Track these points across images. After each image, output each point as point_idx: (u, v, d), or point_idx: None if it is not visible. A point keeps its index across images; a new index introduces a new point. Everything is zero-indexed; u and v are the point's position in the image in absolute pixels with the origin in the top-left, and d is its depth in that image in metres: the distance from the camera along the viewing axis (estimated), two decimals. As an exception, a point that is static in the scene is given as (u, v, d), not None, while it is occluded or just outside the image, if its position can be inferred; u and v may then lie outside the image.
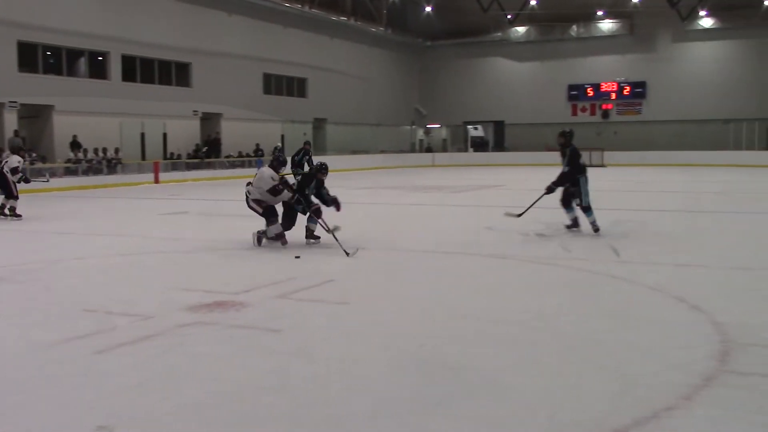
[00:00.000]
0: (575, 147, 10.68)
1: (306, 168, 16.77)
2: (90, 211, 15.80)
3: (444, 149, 42.93)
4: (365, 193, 19.93)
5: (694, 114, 37.03)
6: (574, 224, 10.76)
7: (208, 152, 29.07)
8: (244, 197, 9.69)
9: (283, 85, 34.70)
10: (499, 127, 42.58)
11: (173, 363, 4.69)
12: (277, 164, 9.69)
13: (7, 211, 13.27)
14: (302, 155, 17.39)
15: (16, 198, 13.39)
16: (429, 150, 42.15)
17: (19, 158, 13.76)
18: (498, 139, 42.77)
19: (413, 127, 43.90)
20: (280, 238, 9.45)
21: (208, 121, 30.13)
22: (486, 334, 5.36)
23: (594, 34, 40.21)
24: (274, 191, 9.32)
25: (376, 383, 4.29)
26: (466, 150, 42.68)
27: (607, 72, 40.04)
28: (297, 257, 8.36)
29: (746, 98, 36.02)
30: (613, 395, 4.03)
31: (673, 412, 3.77)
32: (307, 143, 18.25)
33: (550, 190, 10.64)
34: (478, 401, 3.98)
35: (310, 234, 9.78)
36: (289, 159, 15.51)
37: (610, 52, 39.83)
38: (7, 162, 13.56)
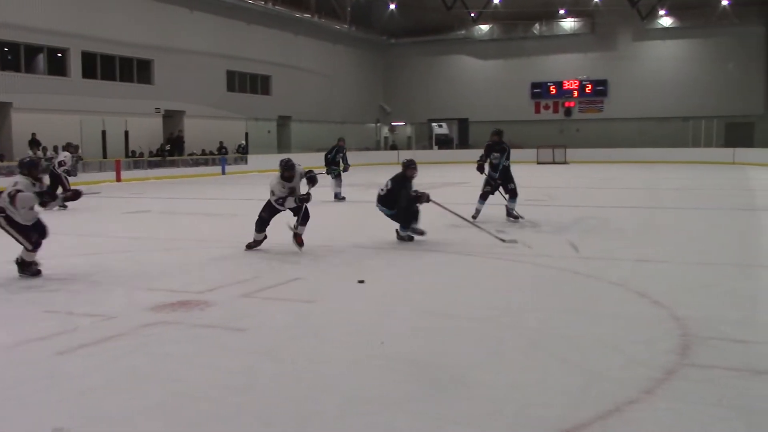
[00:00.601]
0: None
1: (341, 165, 16.57)
2: (50, 211, 15.50)
3: (409, 147, 42.99)
4: (330, 191, 19.87)
5: (655, 112, 37.60)
6: (477, 215, 11.61)
7: (171, 150, 28.76)
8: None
9: (246, 83, 34.46)
10: (463, 124, 42.80)
11: (137, 363, 4.64)
12: (282, 170, 9.03)
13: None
14: (335, 152, 16.76)
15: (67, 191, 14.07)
16: (394, 147, 42.19)
17: (66, 153, 15.80)
18: (462, 136, 42.99)
19: (378, 124, 43.93)
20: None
21: (171, 118, 29.78)
22: (452, 330, 5.39)
23: (556, 33, 40.60)
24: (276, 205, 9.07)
25: (343, 382, 4.29)
26: (430, 147, 42.82)
27: (570, 70, 40.47)
28: (361, 282, 7.02)
29: (705, 96, 36.66)
30: (577, 390, 4.08)
31: (635, 405, 3.83)
32: (341, 140, 17.52)
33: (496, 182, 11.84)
34: (445, 398, 4.00)
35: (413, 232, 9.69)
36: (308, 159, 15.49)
37: (572, 50, 40.25)
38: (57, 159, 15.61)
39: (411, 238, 9.62)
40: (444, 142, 42.87)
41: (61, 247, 9.84)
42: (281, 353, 4.87)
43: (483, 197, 11.82)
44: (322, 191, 13.21)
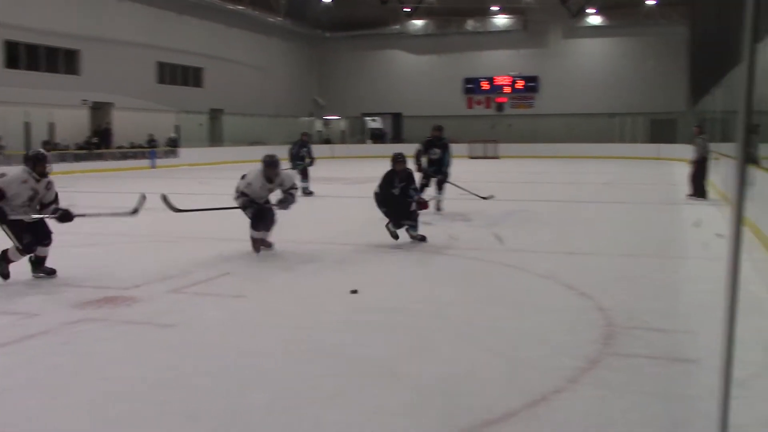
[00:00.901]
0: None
1: (307, 161, 16.30)
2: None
3: (343, 141, 42.95)
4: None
5: (583, 108, 38.45)
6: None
7: (98, 143, 27.99)
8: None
9: (178, 75, 33.81)
10: (397, 119, 42.97)
11: (60, 362, 4.51)
12: (266, 166, 8.24)
13: None
14: (298, 147, 16.46)
15: None
16: (328, 141, 42.06)
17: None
18: (396, 130, 43.15)
19: (312, 118, 43.71)
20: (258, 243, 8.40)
21: (99, 110, 28.98)
22: (381, 323, 5.40)
23: (489, 29, 41.10)
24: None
25: (272, 376, 4.25)
26: (364, 142, 42.86)
27: (502, 66, 41.05)
28: (354, 292, 6.35)
29: (631, 93, 37.68)
30: (505, 380, 4.15)
31: (561, 394, 3.91)
32: (304, 134, 17.35)
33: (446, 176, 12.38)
34: (375, 391, 4.01)
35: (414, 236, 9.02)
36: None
37: (504, 46, 40.82)
38: None
39: (423, 238, 8.99)
40: (378, 137, 42.97)
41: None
42: (210, 349, 4.80)
43: (420, 189, 11.95)
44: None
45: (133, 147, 29.22)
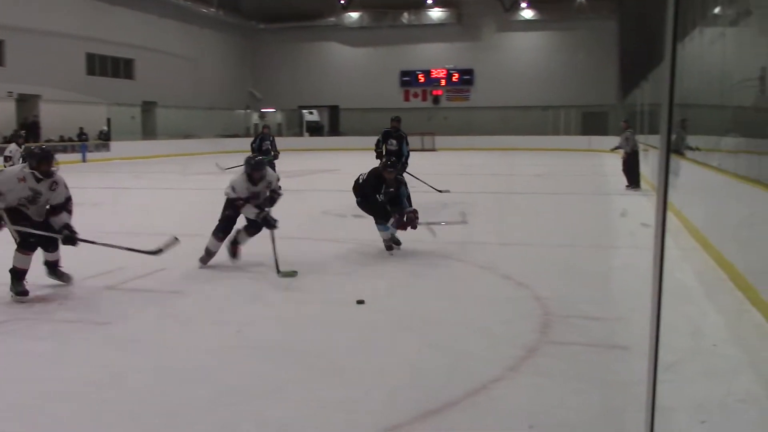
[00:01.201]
0: None
1: (271, 155, 15.08)
2: None
3: (279, 134, 42.59)
4: (199, 179, 19.43)
5: (517, 101, 39.00)
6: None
7: (26, 137, 27.08)
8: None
9: (108, 66, 32.95)
10: (334, 111, 42.86)
11: (-10, 363, 4.38)
12: (251, 170, 7.28)
13: None
14: (260, 140, 15.51)
15: None
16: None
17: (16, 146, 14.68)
18: (333, 123, 43.04)
19: (248, 111, 43.23)
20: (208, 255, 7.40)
21: (26, 102, 28.05)
22: (322, 317, 5.40)
23: (424, 22, 41.26)
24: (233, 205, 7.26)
25: (212, 372, 4.21)
26: (301, 134, 42.62)
27: (438, 59, 41.30)
28: (360, 302, 5.74)
29: (563, 86, 38.39)
30: (446, 371, 4.20)
31: (500, 383, 3.99)
32: (265, 126, 16.29)
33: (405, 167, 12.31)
34: (316, 385, 4.01)
35: (390, 243, 8.06)
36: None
37: (439, 39, 41.06)
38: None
39: (393, 245, 8.09)
40: (315, 129, 42.78)
41: None
42: (148, 345, 4.73)
43: None
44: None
45: (62, 140, 28.39)
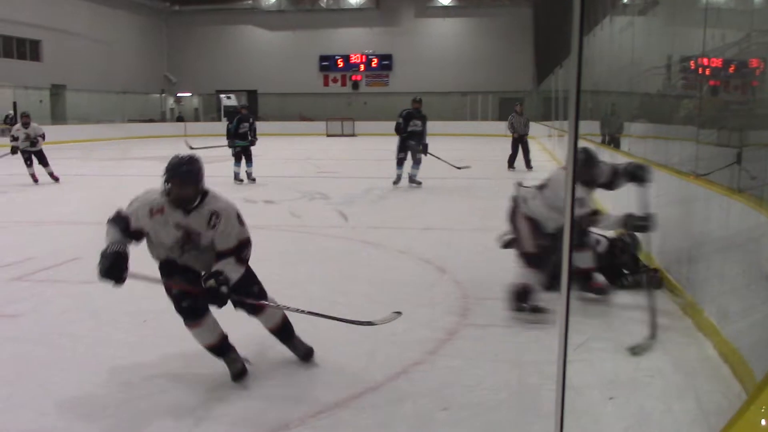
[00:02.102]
0: None
1: (249, 138, 13.66)
2: None
3: (196, 119, 41.74)
4: (112, 165, 18.89)
5: (436, 86, 39.31)
6: (398, 180, 13.00)
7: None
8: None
9: (13, 47, 31.53)
10: (252, 96, 42.26)
11: None
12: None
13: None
14: (237, 122, 13.74)
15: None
16: (180, 119, 40.75)
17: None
18: (252, 108, 42.43)
19: (163, 95, 42.16)
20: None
21: None
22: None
23: (343, 7, 41.09)
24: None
25: (128, 363, 4.13)
26: (219, 119, 41.88)
27: (357, 44, 41.21)
28: (396, 314, 4.41)
29: (481, 72, 38.91)
30: (366, 355, 4.23)
31: (420, 366, 4.05)
32: (243, 107, 14.59)
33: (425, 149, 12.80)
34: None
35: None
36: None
37: (358, 24, 40.97)
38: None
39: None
40: (233, 114, 42.08)
41: None
42: (60, 338, 4.59)
43: (399, 163, 12.96)
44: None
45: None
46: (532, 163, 16.21)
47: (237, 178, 13.59)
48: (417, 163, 12.95)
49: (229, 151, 13.82)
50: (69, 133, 30.00)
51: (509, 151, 16.91)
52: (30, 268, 6.49)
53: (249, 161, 13.67)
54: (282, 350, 4.26)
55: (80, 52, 34.51)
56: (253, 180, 13.62)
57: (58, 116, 32.99)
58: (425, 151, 12.81)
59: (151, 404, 3.57)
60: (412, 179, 12.93)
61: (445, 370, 4.01)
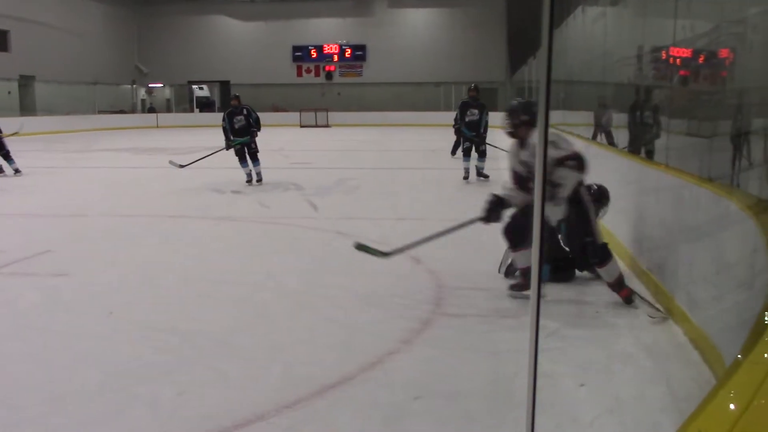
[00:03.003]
0: None
1: (252, 133, 11.83)
2: None
3: (169, 110, 41.34)
4: (81, 157, 18.66)
5: (410, 77, 39.34)
6: (467, 175, 12.39)
7: None
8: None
9: (-21, 38, 30.99)
10: (225, 86, 41.91)
11: None
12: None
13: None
14: (228, 118, 11.96)
15: None
16: (152, 110, 40.34)
17: None
18: (225, 99, 42.08)
19: (134, 86, 41.67)
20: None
21: None
22: (215, 296, 5.33)
23: (316, -3, 40.93)
24: None
25: (101, 356, 4.09)
26: (191, 110, 41.51)
27: (330, 34, 41.02)
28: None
29: (455, 63, 38.95)
30: (341, 346, 4.23)
31: (395, 356, 4.06)
32: (234, 98, 12.47)
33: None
34: (210, 364, 3.96)
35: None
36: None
37: (332, 14, 40.77)
38: None
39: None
40: (206, 105, 41.74)
41: None
42: (31, 332, 4.53)
43: (466, 154, 12.41)
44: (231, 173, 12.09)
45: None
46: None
47: (249, 178, 11.90)
48: (482, 155, 12.32)
49: (225, 154, 12.18)
50: (38, 125, 29.58)
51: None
52: (1, 260, 6.40)
53: (254, 159, 11.85)
54: (256, 341, 4.26)
55: (49, 42, 33.97)
56: (259, 181, 11.88)
57: (27, 107, 32.48)
58: (482, 141, 12.21)
59: (126, 396, 3.55)
60: (479, 172, 12.43)
61: (420, 359, 4.02)
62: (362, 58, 40.95)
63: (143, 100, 41.98)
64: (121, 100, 39.82)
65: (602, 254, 4.94)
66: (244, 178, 11.88)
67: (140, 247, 7.13)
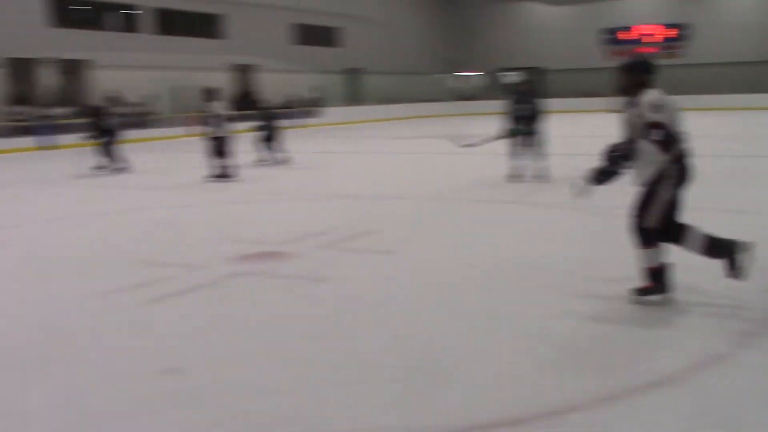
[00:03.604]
0: None
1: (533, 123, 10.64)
2: (137, 165, 15.49)
3: (477, 97, 42.18)
4: (402, 144, 19.70)
5: (739, 56, 35.66)
6: None
7: (246, 104, 29.13)
8: None
9: (314, 36, 34.43)
10: (536, 73, 41.60)
11: (227, 311, 4.78)
12: None
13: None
14: (515, 104, 10.94)
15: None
16: (463, 98, 41.36)
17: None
18: (539, 85, 41.72)
19: (444, 75, 43.00)
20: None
21: (242, 73, 30.20)
22: (529, 279, 5.29)
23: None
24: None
25: (424, 327, 4.29)
26: (502, 98, 41.79)
27: (642, 15, 38.65)
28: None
29: None
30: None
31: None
32: (524, 82, 12.01)
33: None
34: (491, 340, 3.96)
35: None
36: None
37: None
38: None
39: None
40: (517, 92, 41.62)
41: (139, 201, 10.13)
42: (362, 302, 4.90)
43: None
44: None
45: (285, 107, 29.90)
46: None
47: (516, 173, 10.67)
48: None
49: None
50: (367, 114, 32.33)
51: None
52: (335, 237, 7.01)
53: (539, 153, 10.56)
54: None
55: (371, 36, 36.68)
56: (546, 177, 10.49)
57: (354, 98, 35.39)
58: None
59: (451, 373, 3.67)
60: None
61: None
62: (683, 37, 37.99)
63: (453, 89, 43.21)
64: (432, 89, 41.46)
65: (639, 237, 4.43)
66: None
67: (459, 232, 7.35)
